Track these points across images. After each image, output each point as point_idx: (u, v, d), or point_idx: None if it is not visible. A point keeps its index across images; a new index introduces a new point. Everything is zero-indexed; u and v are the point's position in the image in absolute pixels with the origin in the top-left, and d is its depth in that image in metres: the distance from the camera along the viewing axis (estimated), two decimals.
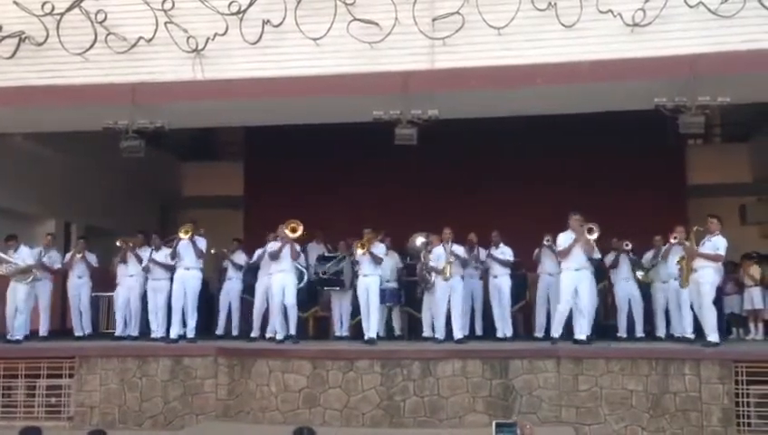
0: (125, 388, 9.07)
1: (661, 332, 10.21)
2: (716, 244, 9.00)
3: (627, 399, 8.25)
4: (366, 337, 9.68)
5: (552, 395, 8.40)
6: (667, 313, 10.24)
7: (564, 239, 9.42)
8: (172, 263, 10.17)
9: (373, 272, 9.89)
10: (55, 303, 11.32)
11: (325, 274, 10.62)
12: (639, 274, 10.34)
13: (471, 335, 10.72)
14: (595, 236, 9.27)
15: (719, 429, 8.03)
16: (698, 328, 9.35)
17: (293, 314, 9.88)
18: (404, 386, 8.47)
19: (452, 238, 10.02)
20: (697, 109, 8.19)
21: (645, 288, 10.47)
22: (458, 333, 9.81)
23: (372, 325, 9.70)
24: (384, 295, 10.37)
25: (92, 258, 11.09)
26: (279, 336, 9.86)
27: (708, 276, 8.92)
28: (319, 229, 12.10)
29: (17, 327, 10.25)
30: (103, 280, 11.40)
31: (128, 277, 10.81)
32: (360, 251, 9.87)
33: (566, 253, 9.32)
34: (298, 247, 10.06)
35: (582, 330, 9.19)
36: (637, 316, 10.29)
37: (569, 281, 9.29)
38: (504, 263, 10.32)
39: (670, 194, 13.84)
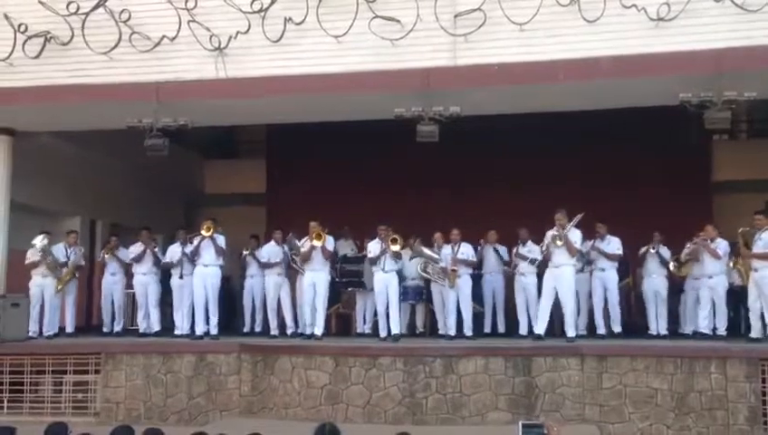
0: (150, 384, 9.16)
1: (688, 329, 10.11)
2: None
3: (652, 397, 8.18)
4: (384, 334, 9.64)
5: (575, 393, 8.35)
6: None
7: (546, 237, 9.48)
8: (194, 260, 10.25)
9: (394, 268, 9.85)
10: (81, 299, 11.45)
11: (345, 276, 10.65)
12: (673, 265, 10.25)
13: (493, 332, 10.74)
14: (558, 243, 9.33)
15: (745, 427, 7.95)
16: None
17: (322, 315, 9.90)
18: (426, 383, 8.47)
19: (460, 239, 10.05)
20: (723, 104, 8.10)
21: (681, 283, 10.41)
22: (468, 330, 9.93)
23: (394, 321, 9.68)
24: (407, 293, 10.38)
25: (124, 254, 11.20)
26: (308, 331, 9.89)
27: None
28: (346, 226, 12.13)
29: (49, 323, 10.42)
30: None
31: (140, 275, 10.92)
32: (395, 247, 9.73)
33: (548, 257, 9.46)
34: (331, 246, 10.05)
35: (570, 327, 9.25)
36: (660, 314, 10.21)
37: (549, 278, 9.37)
38: (532, 261, 10.18)
39: (696, 190, 13.68)
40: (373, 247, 9.91)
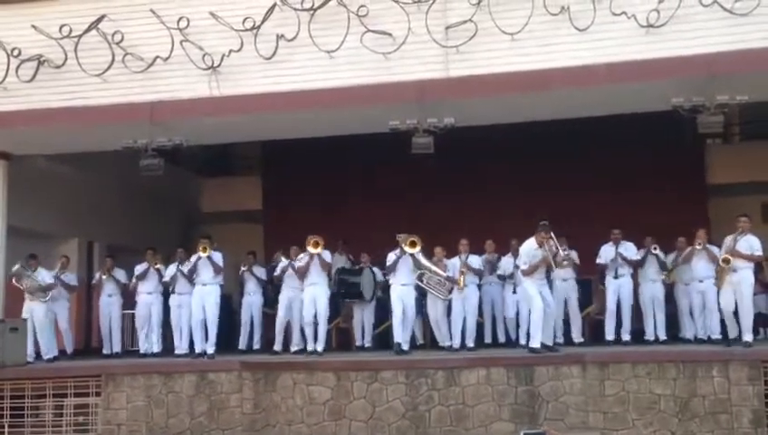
0: (151, 405, 9.09)
1: (688, 334, 10.12)
2: (751, 244, 8.93)
3: (655, 403, 8.15)
4: (404, 347, 9.52)
5: (578, 401, 8.32)
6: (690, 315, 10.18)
7: (528, 256, 9.07)
8: (192, 278, 10.22)
9: (412, 281, 9.77)
10: (79, 322, 11.41)
11: (342, 287, 10.62)
12: (662, 274, 10.27)
13: (494, 343, 10.71)
14: (562, 255, 9.17)
15: (750, 430, 7.90)
16: (722, 330, 9.38)
17: (323, 328, 9.86)
18: (429, 395, 8.43)
19: (468, 250, 10.01)
20: (716, 108, 8.14)
21: (668, 290, 10.42)
22: (470, 341, 9.91)
23: (407, 335, 9.65)
24: None
25: (121, 275, 11.20)
26: (310, 347, 9.86)
27: (749, 277, 8.89)
28: (341, 240, 12.12)
29: (44, 346, 10.34)
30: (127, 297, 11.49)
31: (145, 294, 10.91)
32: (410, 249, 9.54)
33: (531, 272, 9.03)
34: (327, 258, 9.99)
35: (549, 335, 9.16)
36: (659, 319, 10.20)
37: (533, 287, 9.05)
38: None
39: (691, 194, 13.73)
40: (391, 257, 9.77)
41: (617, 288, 10.04)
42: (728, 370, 8.07)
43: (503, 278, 10.46)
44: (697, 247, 9.63)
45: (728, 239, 9.11)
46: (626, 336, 9.98)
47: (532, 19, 8.51)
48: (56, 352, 10.55)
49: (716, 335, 9.48)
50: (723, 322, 9.40)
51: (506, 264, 10.45)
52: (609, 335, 10.02)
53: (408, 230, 9.86)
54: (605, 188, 13.30)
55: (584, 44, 8.51)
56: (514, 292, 10.25)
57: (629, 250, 10.02)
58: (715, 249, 9.49)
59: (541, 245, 9.06)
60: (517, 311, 10.19)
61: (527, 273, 9.10)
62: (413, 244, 9.55)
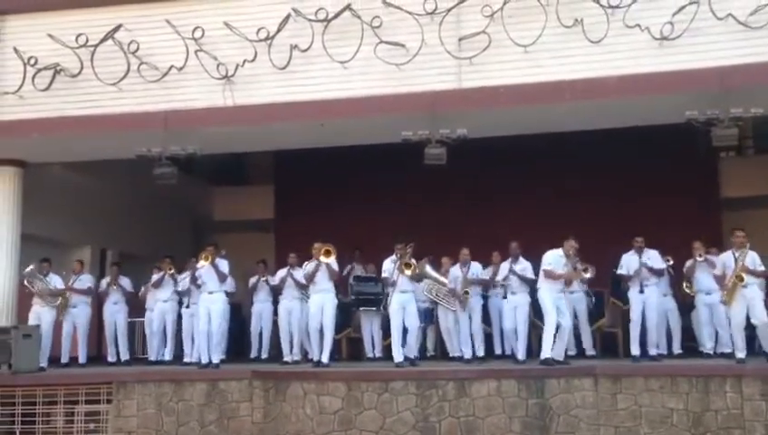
0: (162, 412, 9.09)
1: (708, 347, 9.83)
2: (754, 259, 8.77)
3: (667, 417, 8.09)
4: (400, 359, 9.29)
5: (590, 414, 8.26)
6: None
7: (553, 260, 9.06)
8: (197, 286, 10.13)
9: (412, 289, 9.53)
10: (92, 329, 11.45)
11: (363, 295, 10.56)
12: (687, 286, 10.19)
13: (503, 354, 10.64)
14: (588, 276, 9.23)
15: None
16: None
17: (330, 338, 9.55)
18: (439, 407, 8.39)
19: (469, 259, 9.94)
20: (730, 121, 8.11)
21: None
22: (479, 351, 9.90)
23: (410, 345, 9.49)
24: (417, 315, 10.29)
25: (126, 283, 11.23)
26: (316, 358, 9.64)
27: (760, 292, 8.68)
28: (357, 250, 12.11)
29: (42, 354, 10.18)
30: (135, 305, 11.52)
31: (161, 302, 10.94)
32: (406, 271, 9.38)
33: (553, 277, 8.97)
34: (336, 266, 9.74)
35: (560, 352, 9.04)
36: (674, 332, 10.12)
37: (549, 300, 8.96)
38: (524, 279, 9.74)
39: (705, 207, 13.67)
40: (388, 267, 9.52)
41: (642, 301, 9.42)
42: (741, 385, 8.01)
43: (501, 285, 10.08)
44: (698, 259, 9.54)
45: (728, 257, 8.85)
46: (653, 351, 9.41)
47: (545, 31, 8.53)
48: (45, 363, 10.33)
49: (728, 349, 9.29)
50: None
51: (503, 269, 10.04)
52: (635, 350, 9.44)
53: (416, 238, 9.82)
54: (617, 201, 13.25)
55: (597, 57, 8.52)
56: (504, 297, 9.94)
57: (653, 259, 9.48)
58: (716, 261, 9.22)
59: (568, 255, 9.04)
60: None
61: (548, 274, 8.98)
62: (407, 266, 9.36)
